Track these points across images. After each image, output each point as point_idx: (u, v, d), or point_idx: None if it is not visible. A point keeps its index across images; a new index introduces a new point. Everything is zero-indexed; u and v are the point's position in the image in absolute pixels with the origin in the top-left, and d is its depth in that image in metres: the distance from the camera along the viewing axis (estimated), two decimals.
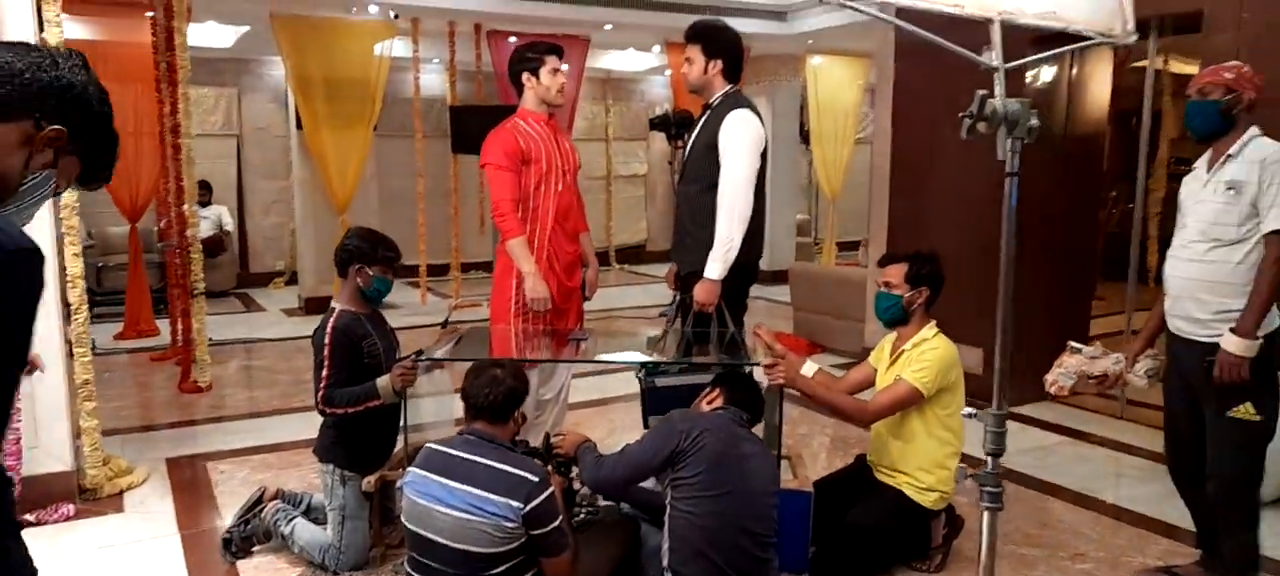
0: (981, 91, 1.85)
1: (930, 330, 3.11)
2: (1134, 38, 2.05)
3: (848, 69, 10.30)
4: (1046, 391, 3.32)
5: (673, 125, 4.05)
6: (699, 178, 3.53)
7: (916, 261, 3.10)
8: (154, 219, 7.62)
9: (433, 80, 10.13)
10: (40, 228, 3.52)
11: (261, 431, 4.67)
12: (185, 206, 5.62)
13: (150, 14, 6.11)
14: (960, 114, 1.89)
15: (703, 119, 3.60)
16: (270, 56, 9.74)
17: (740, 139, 3.39)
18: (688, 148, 3.69)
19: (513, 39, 8.57)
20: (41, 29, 3.56)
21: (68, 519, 3.51)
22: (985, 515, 1.97)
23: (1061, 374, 3.25)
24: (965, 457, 4.25)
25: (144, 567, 3.15)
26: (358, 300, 3.16)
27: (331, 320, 3.07)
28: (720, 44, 3.54)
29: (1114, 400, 5.15)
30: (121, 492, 3.77)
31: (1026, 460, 4.30)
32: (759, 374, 2.99)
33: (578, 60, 8.96)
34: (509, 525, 2.48)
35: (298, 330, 7.31)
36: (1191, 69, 5.02)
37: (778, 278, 9.02)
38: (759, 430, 3.02)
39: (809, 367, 3.27)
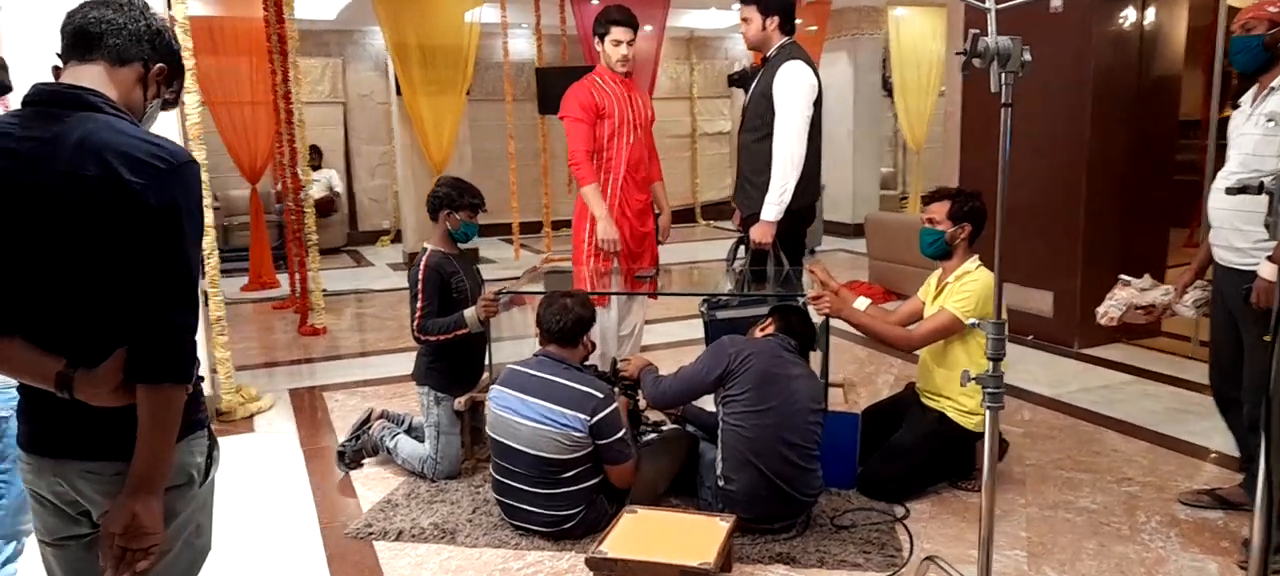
0: (974, 30, 2.03)
1: (972, 263, 3.29)
2: None
3: (929, 19, 10.20)
4: (1098, 322, 3.45)
5: (751, 81, 4.27)
6: (756, 127, 3.77)
7: (959, 198, 3.27)
8: (272, 182, 8.32)
9: (521, 45, 10.55)
10: None
11: (369, 368, 5.18)
12: (299, 169, 6.15)
13: None
14: (956, 52, 2.07)
15: (760, 72, 3.84)
16: (372, 27, 10.30)
17: (793, 89, 3.62)
18: (747, 97, 3.94)
19: (595, 1, 8.87)
20: (170, 6, 4.04)
21: None
22: (987, 414, 2.18)
23: (1111, 305, 3.38)
24: (1021, 392, 4.41)
25: (275, 476, 3.64)
26: (447, 241, 3.55)
27: (424, 259, 3.47)
28: (774, 1, 3.75)
29: (1186, 341, 5.15)
30: (252, 416, 4.31)
31: (1090, 397, 4.40)
32: (811, 306, 3.24)
33: (658, 19, 9.17)
34: (577, 434, 2.84)
35: (402, 282, 7.86)
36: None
37: (860, 230, 9.11)
38: (816, 359, 3.29)
39: (861, 303, 3.49)
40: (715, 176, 12.73)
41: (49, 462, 1.50)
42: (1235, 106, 3.05)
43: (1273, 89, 2.84)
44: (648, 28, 9.58)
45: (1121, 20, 5.22)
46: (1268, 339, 2.80)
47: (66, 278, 1.40)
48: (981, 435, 3.38)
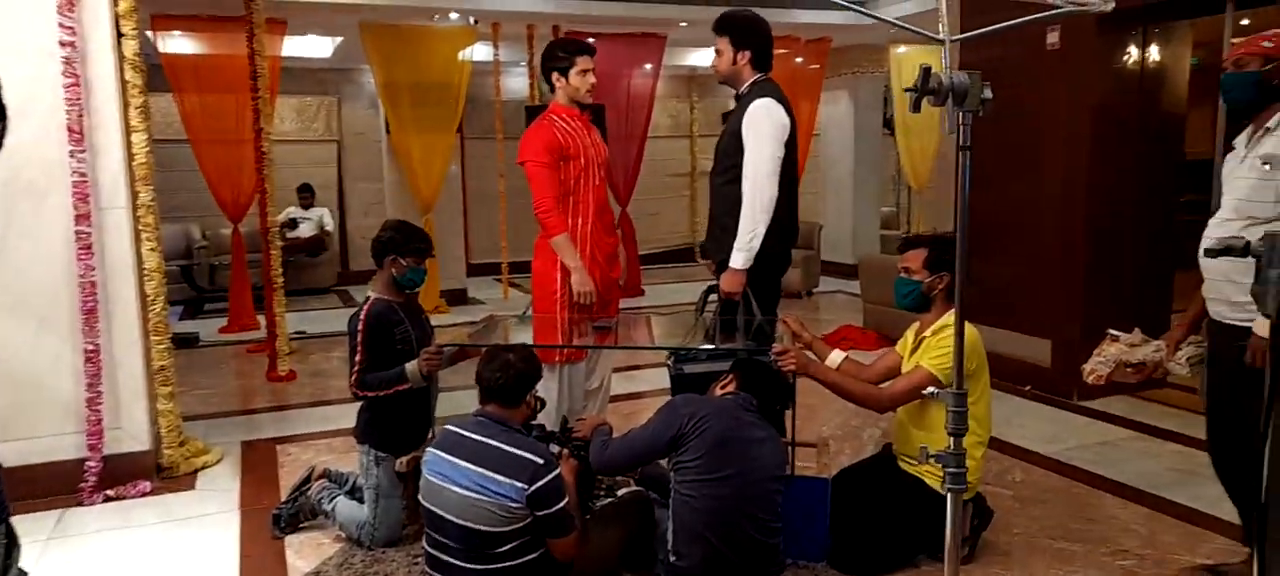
0: (924, 64, 1.82)
1: (951, 316, 3.03)
2: (1110, 6, 1.96)
3: (932, 57, 9.99)
4: (1085, 380, 3.20)
5: None
6: (727, 168, 3.55)
7: (936, 246, 3.03)
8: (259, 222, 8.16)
9: (514, 83, 10.43)
10: (118, 227, 3.85)
11: (328, 418, 4.95)
12: (269, 208, 5.97)
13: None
14: (906, 89, 1.85)
15: (733, 110, 3.63)
16: (366, 66, 10.20)
17: (761, 128, 3.39)
18: (719, 138, 3.71)
19: (591, 40, 8.73)
20: (119, 43, 3.88)
21: (144, 494, 3.82)
22: (949, 497, 1.93)
23: (1099, 362, 3.14)
24: (1014, 449, 4.14)
25: (200, 540, 3.40)
26: (391, 289, 3.33)
27: (366, 308, 3.25)
28: (748, 34, 3.55)
29: (1193, 393, 4.84)
30: (196, 471, 4.08)
31: (1088, 455, 4.12)
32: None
33: (655, 57, 9.05)
34: (513, 505, 2.58)
35: None
36: None
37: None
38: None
39: (835, 357, 3.25)
40: (680, 222, 12.50)
41: None
42: (1229, 149, 2.82)
43: (1268, 130, 2.61)
44: (647, 66, 9.49)
45: (1122, 58, 5.00)
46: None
47: None
48: (970, 502, 3.14)
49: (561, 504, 2.65)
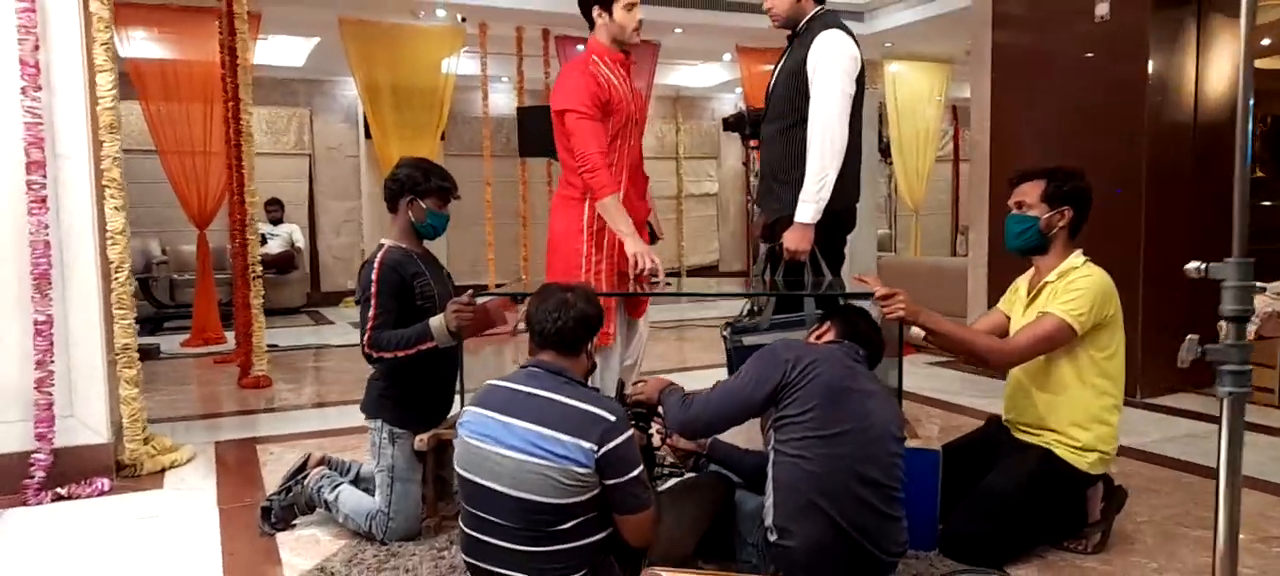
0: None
1: (1078, 258, 2.61)
2: None
3: (927, 77, 9.84)
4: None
5: (748, 124, 3.67)
6: (785, 113, 3.10)
7: (1058, 176, 2.61)
8: (228, 237, 7.56)
9: (501, 100, 10.00)
10: (78, 179, 3.31)
11: (317, 419, 4.38)
12: (248, 193, 5.40)
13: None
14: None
15: (789, 50, 3.19)
16: (342, 77, 9.73)
17: (832, 61, 2.95)
18: (772, 82, 3.26)
19: (580, 48, 8.36)
20: (89, 40, 3.36)
21: (102, 493, 3.21)
22: (1226, 404, 1.47)
23: None
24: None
25: (176, 538, 2.81)
26: (410, 236, 2.82)
27: (380, 255, 2.72)
28: None
29: (1269, 393, 4.48)
30: (163, 470, 3.48)
31: (1179, 447, 3.71)
32: (874, 311, 2.53)
33: (648, 67, 8.68)
34: (579, 470, 2.06)
35: None
36: None
37: None
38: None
39: (915, 332, 2.79)
40: (702, 239, 12.13)
41: None
42: None
43: None
44: (637, 84, 9.13)
45: (1171, 60, 4.69)
46: None
47: None
48: (1098, 478, 2.68)
49: (636, 471, 2.13)
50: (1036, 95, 5.16)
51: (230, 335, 6.78)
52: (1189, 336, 1.43)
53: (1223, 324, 1.44)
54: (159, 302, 8.49)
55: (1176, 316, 4.35)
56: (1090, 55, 4.85)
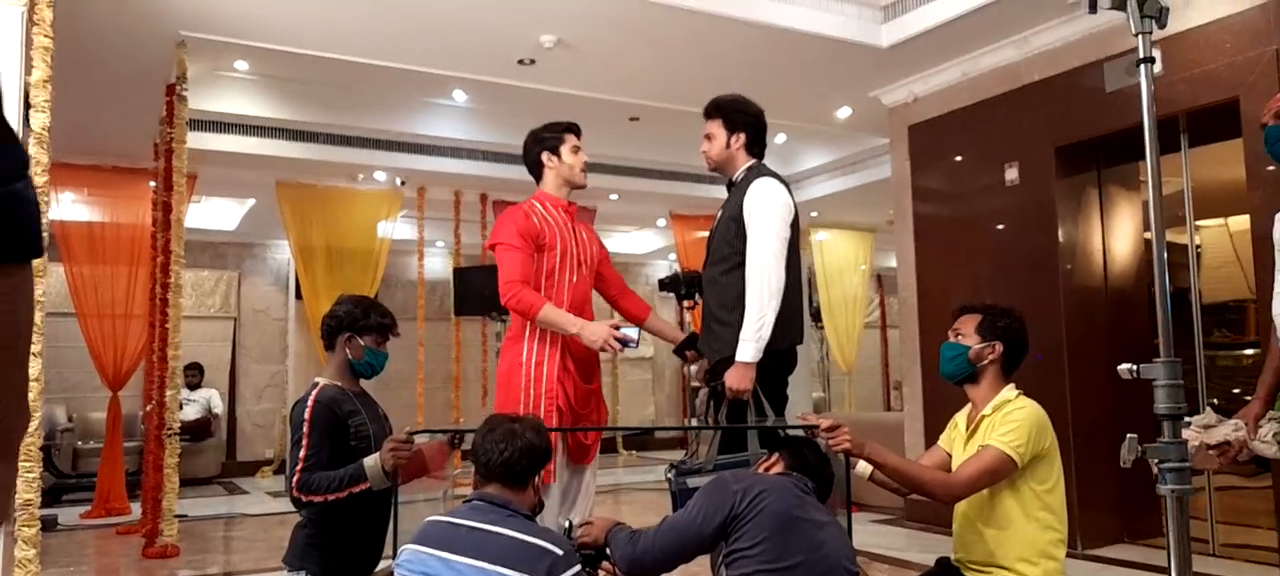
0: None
1: (1011, 391, 2.65)
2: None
3: (852, 242, 10.29)
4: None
5: (683, 285, 3.79)
6: (725, 256, 3.17)
7: (993, 312, 2.69)
8: (141, 403, 7.23)
9: (435, 264, 10.03)
10: None
11: None
12: (171, 349, 5.20)
13: (153, 184, 6.01)
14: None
15: (727, 198, 3.31)
16: (273, 239, 9.68)
17: (766, 206, 3.07)
18: (712, 229, 3.36)
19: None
20: (26, 117, 3.32)
21: None
22: (1169, 496, 1.47)
23: None
24: None
25: None
26: (346, 375, 2.72)
27: (314, 393, 2.62)
28: (741, 117, 3.29)
29: (1204, 543, 4.54)
30: None
31: None
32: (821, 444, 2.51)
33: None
34: None
35: (283, 506, 6.70)
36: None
37: None
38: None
39: (862, 467, 2.79)
40: (638, 402, 12.06)
41: None
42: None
43: None
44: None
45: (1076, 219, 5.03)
46: None
47: None
48: None
49: None
50: (958, 259, 5.41)
51: (136, 506, 6.38)
52: (1129, 435, 1.45)
53: (1162, 423, 1.48)
54: (60, 471, 7.97)
55: (1107, 468, 4.46)
56: (1002, 227, 5.15)
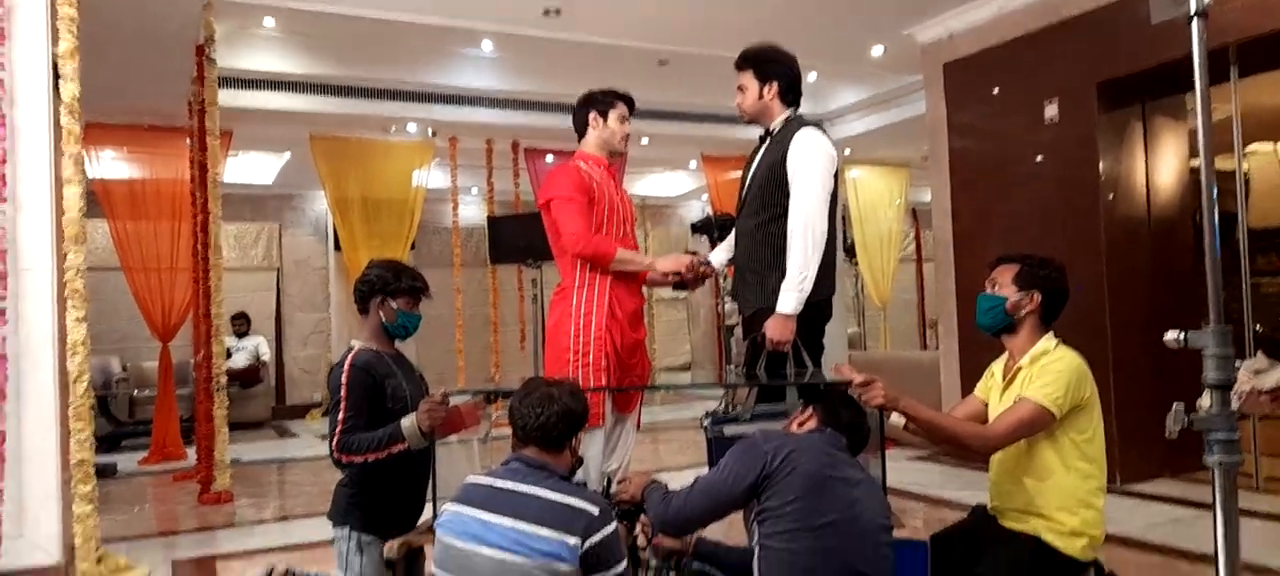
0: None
1: (1050, 341, 2.62)
2: None
3: (887, 178, 10.13)
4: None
5: (716, 227, 3.77)
6: (763, 208, 3.14)
7: (1032, 262, 2.65)
8: (192, 352, 7.44)
9: (470, 211, 10.08)
10: (40, 291, 3.24)
11: (281, 533, 4.21)
12: (214, 306, 5.33)
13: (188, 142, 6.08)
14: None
15: (763, 147, 3.26)
16: (311, 190, 9.79)
17: (811, 159, 3.03)
18: (747, 179, 3.33)
19: (550, 158, 8.51)
20: (56, 86, 3.37)
21: None
22: (1218, 473, 1.45)
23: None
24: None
25: None
26: (381, 337, 2.77)
27: (350, 357, 2.67)
28: (774, 66, 3.23)
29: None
30: None
31: (1164, 532, 3.69)
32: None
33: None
34: (562, 567, 1.99)
35: None
36: None
37: None
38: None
39: (896, 419, 2.77)
40: (674, 343, 12.14)
41: None
42: None
43: None
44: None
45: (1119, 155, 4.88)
46: None
47: None
48: (1089, 565, 2.63)
49: (621, 565, 2.07)
50: (994, 197, 5.31)
51: (191, 451, 6.60)
52: (1176, 404, 1.42)
53: (1208, 392, 1.44)
54: (117, 420, 8.27)
55: (1147, 402, 4.41)
56: (1041, 160, 5.02)
